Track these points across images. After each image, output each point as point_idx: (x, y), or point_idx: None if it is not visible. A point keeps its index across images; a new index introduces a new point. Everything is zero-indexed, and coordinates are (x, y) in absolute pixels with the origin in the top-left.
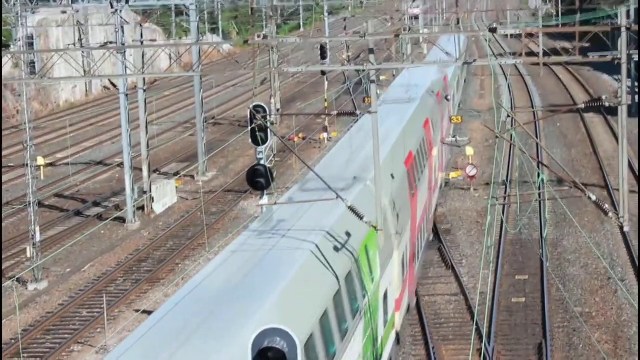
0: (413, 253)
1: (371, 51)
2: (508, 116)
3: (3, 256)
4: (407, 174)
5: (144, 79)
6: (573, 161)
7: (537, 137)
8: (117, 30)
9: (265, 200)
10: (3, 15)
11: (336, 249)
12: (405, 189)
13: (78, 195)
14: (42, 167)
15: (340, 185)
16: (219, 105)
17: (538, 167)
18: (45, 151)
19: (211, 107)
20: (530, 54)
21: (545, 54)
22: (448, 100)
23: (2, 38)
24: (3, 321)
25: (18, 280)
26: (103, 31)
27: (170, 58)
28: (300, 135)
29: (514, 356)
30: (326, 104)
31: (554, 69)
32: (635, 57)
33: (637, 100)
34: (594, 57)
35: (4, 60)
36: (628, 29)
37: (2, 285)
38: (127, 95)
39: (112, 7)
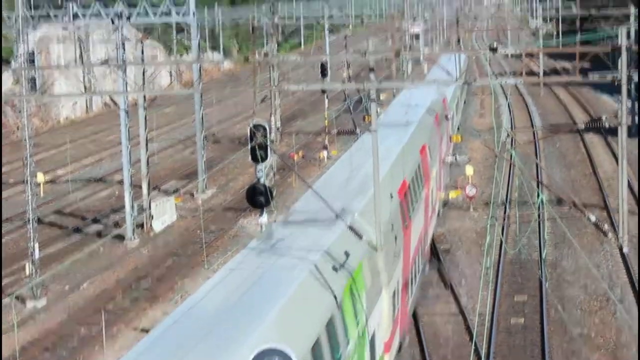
0: (406, 288)
1: (371, 69)
2: (508, 136)
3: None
4: (400, 205)
5: (144, 96)
6: (572, 181)
7: (536, 157)
8: (118, 46)
9: (264, 218)
10: (3, 32)
11: (316, 297)
12: (397, 221)
13: (77, 212)
14: (41, 184)
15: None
16: (218, 123)
17: (537, 187)
18: (45, 167)
19: (211, 124)
20: (531, 73)
21: (545, 73)
22: (448, 119)
23: (3, 54)
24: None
25: (17, 297)
26: (104, 47)
27: (171, 75)
28: (300, 153)
29: None
30: (326, 122)
31: (553, 89)
32: (635, 78)
33: (636, 121)
34: (594, 77)
35: (4, 76)
36: (628, 50)
37: (1, 302)
38: (127, 112)
39: (113, 23)
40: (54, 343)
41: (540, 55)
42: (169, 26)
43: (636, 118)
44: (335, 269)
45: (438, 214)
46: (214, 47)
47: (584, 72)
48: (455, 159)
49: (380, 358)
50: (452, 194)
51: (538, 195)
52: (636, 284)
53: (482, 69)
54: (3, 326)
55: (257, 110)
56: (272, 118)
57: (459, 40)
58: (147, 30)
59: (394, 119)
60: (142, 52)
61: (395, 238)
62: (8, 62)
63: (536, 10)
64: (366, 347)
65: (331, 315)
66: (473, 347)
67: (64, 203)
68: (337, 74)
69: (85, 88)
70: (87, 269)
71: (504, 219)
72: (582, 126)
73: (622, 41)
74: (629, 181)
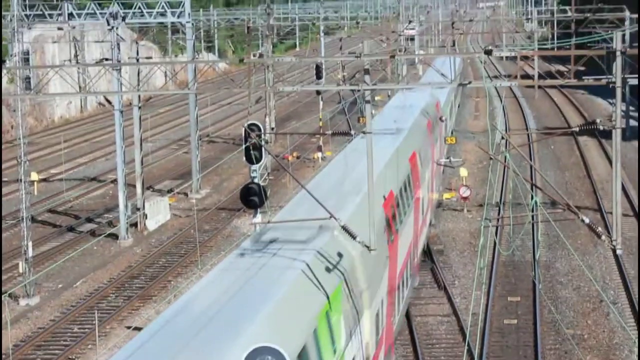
0: (391, 306)
1: (366, 71)
2: (502, 138)
3: None
4: (386, 218)
5: (139, 96)
6: (566, 184)
7: (531, 160)
8: (113, 47)
9: (258, 218)
10: None
11: (288, 322)
12: (381, 236)
13: (71, 211)
14: (35, 183)
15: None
16: (213, 123)
17: (531, 189)
18: (39, 167)
19: (206, 124)
20: (525, 76)
21: (540, 76)
22: (442, 121)
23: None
24: None
25: (10, 295)
26: (99, 48)
27: (166, 75)
28: (295, 154)
29: None
30: (321, 124)
31: (548, 92)
32: (630, 82)
33: (630, 124)
34: (588, 80)
35: None
36: (623, 53)
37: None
38: (122, 112)
39: (108, 24)
40: (46, 341)
41: (535, 58)
42: (164, 27)
43: (630, 121)
44: (307, 299)
45: (430, 223)
46: (209, 48)
47: (578, 75)
48: (450, 161)
49: None
50: (447, 195)
51: (532, 198)
52: (630, 287)
53: (477, 72)
54: None
55: (251, 111)
56: (267, 119)
57: (454, 43)
58: (142, 31)
59: (383, 126)
60: (137, 53)
61: (378, 255)
62: (3, 62)
63: (531, 14)
64: None
65: (304, 343)
66: (466, 347)
67: (58, 202)
68: (332, 76)
69: (80, 88)
70: (80, 267)
71: (498, 221)
72: (576, 129)
73: (617, 45)
74: (622, 184)
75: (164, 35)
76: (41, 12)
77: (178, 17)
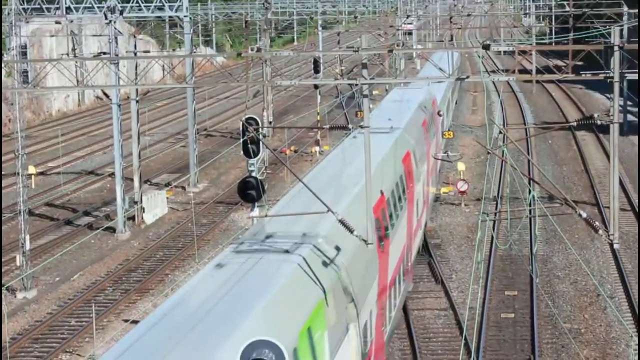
0: (381, 317)
1: (364, 66)
2: (500, 132)
3: None
4: (376, 223)
5: (136, 90)
6: (564, 178)
7: (528, 154)
8: (110, 40)
9: (256, 212)
10: None
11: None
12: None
13: (68, 205)
14: (33, 176)
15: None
16: (211, 117)
17: (529, 183)
18: (37, 160)
19: (203, 118)
20: (523, 71)
21: (538, 71)
22: (440, 115)
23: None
24: None
25: (7, 288)
26: (97, 41)
27: (163, 69)
28: (292, 148)
29: None
30: (318, 118)
31: (546, 87)
32: (628, 76)
33: (628, 119)
34: (586, 75)
35: None
36: (621, 48)
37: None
38: (119, 105)
39: (106, 18)
40: (43, 334)
41: (533, 53)
42: (162, 21)
43: (628, 116)
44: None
45: (426, 225)
46: (207, 42)
47: (576, 69)
48: (447, 155)
49: None
50: (444, 190)
51: (529, 192)
52: (627, 281)
53: (474, 66)
54: None
55: (249, 105)
56: (265, 113)
57: (452, 38)
58: (140, 25)
59: (376, 125)
60: (135, 47)
61: (367, 264)
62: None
63: (529, 8)
64: None
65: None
66: (463, 341)
67: (55, 195)
68: (329, 70)
69: (77, 81)
70: (77, 260)
71: (495, 215)
72: (574, 123)
73: (615, 40)
74: (620, 178)
75: (162, 29)
76: (39, 6)
77: (176, 11)
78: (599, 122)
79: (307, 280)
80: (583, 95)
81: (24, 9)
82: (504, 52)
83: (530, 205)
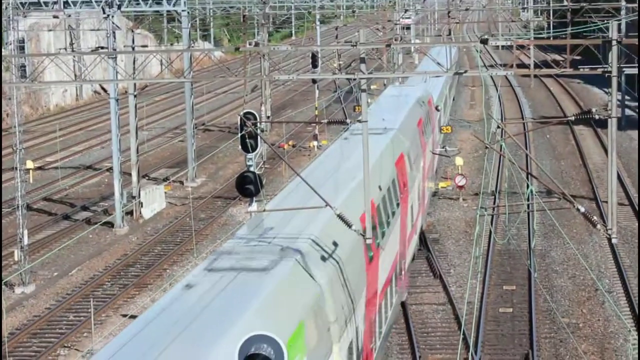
0: (370, 333)
1: (362, 60)
2: (498, 127)
3: None
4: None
5: (134, 84)
6: (562, 173)
7: (526, 149)
8: (108, 35)
9: (254, 207)
10: None
11: None
12: (358, 255)
13: (67, 199)
14: (31, 171)
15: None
16: (209, 112)
17: (527, 178)
18: (35, 155)
19: (201, 113)
20: (521, 65)
21: (536, 65)
22: (438, 110)
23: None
24: None
25: (5, 283)
26: (94, 36)
27: (161, 64)
28: (290, 142)
29: None
30: (317, 112)
31: (544, 81)
32: (626, 71)
33: (626, 113)
34: (584, 69)
35: None
36: (619, 42)
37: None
38: (117, 100)
39: (104, 12)
40: (42, 329)
41: (531, 47)
42: (160, 15)
43: (626, 110)
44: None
45: (421, 228)
46: (205, 37)
47: (574, 64)
48: (445, 150)
49: None
50: (442, 184)
51: (527, 186)
52: (625, 275)
53: (472, 61)
54: None
55: (247, 100)
56: (263, 107)
57: (450, 32)
58: (138, 19)
59: (369, 125)
60: (133, 41)
61: (354, 278)
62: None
63: (527, 3)
64: None
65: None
66: (461, 335)
67: (53, 190)
68: (328, 65)
69: (75, 76)
70: (76, 255)
71: (494, 209)
72: (572, 118)
73: (613, 34)
74: (618, 173)
75: (160, 24)
76: (37, 0)
77: (174, 5)
78: (597, 117)
79: (286, 300)
80: (581, 90)
81: (21, 3)
82: (502, 46)
83: (528, 200)
